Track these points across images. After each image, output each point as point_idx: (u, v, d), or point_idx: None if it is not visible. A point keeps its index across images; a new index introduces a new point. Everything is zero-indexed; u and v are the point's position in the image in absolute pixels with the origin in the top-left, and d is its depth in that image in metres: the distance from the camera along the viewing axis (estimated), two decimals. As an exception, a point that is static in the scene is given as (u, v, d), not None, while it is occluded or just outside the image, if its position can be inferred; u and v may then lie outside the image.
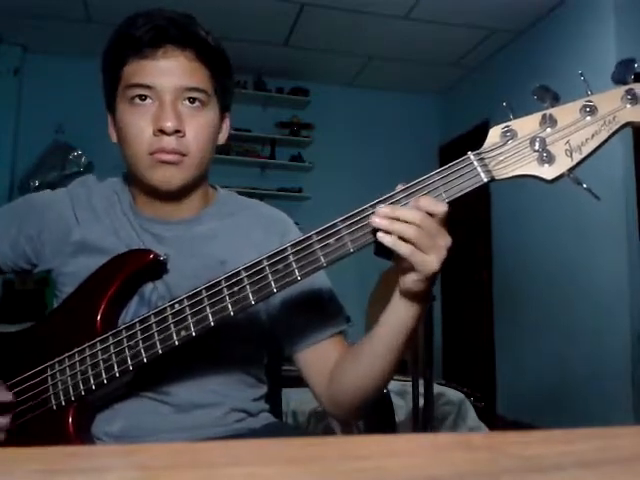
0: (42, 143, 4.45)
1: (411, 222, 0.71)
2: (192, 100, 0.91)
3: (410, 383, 2.23)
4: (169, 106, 0.88)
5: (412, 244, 0.71)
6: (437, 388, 2.40)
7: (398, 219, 0.71)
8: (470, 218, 4.58)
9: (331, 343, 0.96)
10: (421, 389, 2.10)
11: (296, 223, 1.08)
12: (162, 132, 0.88)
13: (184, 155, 0.90)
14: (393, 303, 0.82)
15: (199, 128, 0.91)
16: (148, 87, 0.89)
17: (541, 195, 3.79)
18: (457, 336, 5.09)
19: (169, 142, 0.88)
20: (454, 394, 2.57)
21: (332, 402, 0.95)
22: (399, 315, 0.81)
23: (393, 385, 2.30)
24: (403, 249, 0.72)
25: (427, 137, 5.43)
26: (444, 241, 0.73)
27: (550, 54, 4.02)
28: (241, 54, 4.16)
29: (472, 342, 4.88)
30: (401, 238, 0.71)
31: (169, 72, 0.89)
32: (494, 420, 4.00)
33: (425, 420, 2.05)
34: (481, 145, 0.76)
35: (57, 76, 4.62)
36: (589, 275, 3.58)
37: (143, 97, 0.90)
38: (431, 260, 0.72)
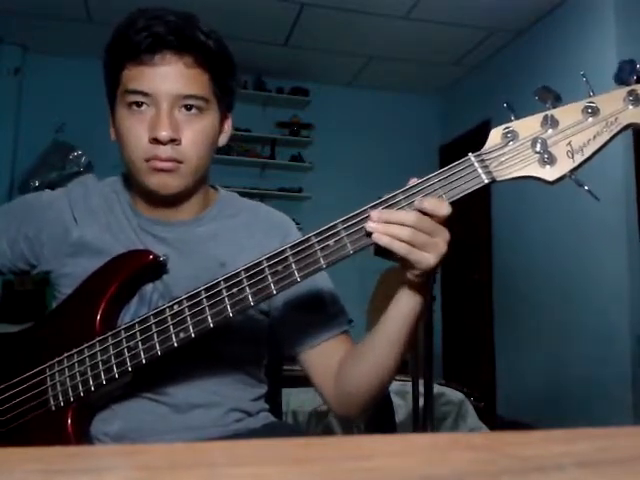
0: (42, 143, 4.45)
1: (406, 224, 0.72)
2: (189, 107, 0.90)
3: (410, 383, 2.23)
4: (165, 114, 0.88)
5: (408, 244, 0.73)
6: (437, 388, 2.40)
7: (392, 222, 0.73)
8: (470, 218, 4.58)
9: (335, 343, 0.96)
10: (421, 389, 2.10)
11: (296, 223, 1.08)
12: (157, 141, 0.88)
13: (180, 162, 0.90)
14: (396, 296, 0.83)
15: (196, 135, 0.91)
16: (145, 94, 0.88)
17: (541, 196, 3.79)
18: (457, 336, 5.09)
19: (164, 150, 0.88)
20: (454, 394, 2.57)
21: (339, 401, 0.96)
22: (400, 308, 0.83)
23: (393, 385, 2.30)
24: (400, 249, 0.73)
25: (427, 137, 5.43)
26: (442, 238, 0.74)
27: (550, 54, 4.02)
28: (241, 54, 4.15)
29: (472, 342, 4.88)
30: (397, 238, 0.73)
31: (166, 79, 0.88)
32: (494, 420, 4.00)
33: (425, 420, 2.05)
34: (482, 145, 0.76)
35: (57, 76, 4.62)
36: (589, 275, 3.58)
37: (140, 103, 0.89)
38: (428, 257, 0.74)
